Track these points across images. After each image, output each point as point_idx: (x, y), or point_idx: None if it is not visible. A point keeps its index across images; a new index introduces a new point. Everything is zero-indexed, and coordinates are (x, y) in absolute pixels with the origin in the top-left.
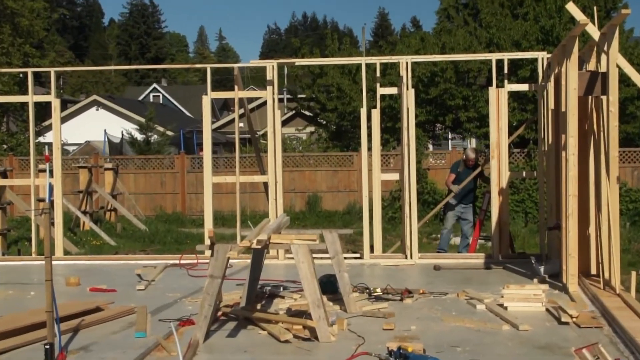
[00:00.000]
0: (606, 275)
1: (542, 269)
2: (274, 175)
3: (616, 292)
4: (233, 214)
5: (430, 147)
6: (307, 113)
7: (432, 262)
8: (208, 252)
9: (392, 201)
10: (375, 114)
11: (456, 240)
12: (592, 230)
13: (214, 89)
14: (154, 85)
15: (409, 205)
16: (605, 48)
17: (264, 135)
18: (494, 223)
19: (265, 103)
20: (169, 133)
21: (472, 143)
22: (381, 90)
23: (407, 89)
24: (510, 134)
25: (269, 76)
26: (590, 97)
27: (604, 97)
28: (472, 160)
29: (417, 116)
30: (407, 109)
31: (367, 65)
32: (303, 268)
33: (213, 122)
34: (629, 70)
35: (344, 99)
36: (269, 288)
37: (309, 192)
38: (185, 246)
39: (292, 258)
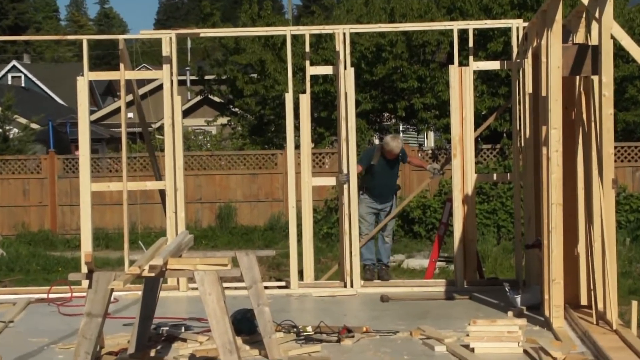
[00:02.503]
0: (600, 306)
1: (518, 298)
2: (173, 180)
3: (613, 328)
4: (120, 231)
5: (377, 142)
6: (217, 100)
7: (378, 291)
8: (85, 283)
9: (328, 213)
10: (305, 100)
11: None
12: (581, 248)
13: (93, 68)
14: (13, 62)
15: (348, 219)
16: (597, 14)
17: (160, 129)
18: (456, 240)
19: (161, 86)
20: (34, 126)
21: (430, 137)
22: (312, 70)
23: (346, 67)
24: (477, 125)
25: (165, 51)
26: (578, 77)
27: (595, 78)
28: (394, 153)
29: (358, 103)
30: (346, 94)
31: (294, 37)
32: (210, 302)
33: (93, 112)
34: (627, 42)
35: (266, 82)
36: (167, 328)
37: (219, 202)
38: (55, 275)
39: (197, 289)
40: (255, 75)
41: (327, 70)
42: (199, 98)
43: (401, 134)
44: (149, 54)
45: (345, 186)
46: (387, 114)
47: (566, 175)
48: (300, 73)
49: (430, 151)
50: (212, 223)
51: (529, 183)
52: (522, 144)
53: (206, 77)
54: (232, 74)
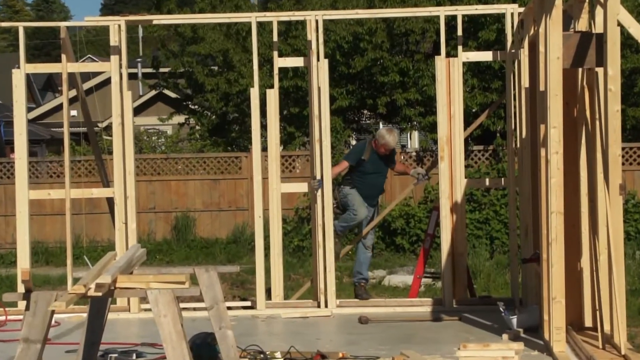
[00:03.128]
0: (606, 328)
1: (514, 320)
2: (122, 187)
3: (621, 353)
4: (62, 245)
5: (354, 143)
6: (174, 95)
7: (356, 312)
8: (22, 304)
9: (299, 224)
10: (273, 96)
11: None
12: (585, 262)
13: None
14: None
15: (322, 230)
16: None
17: (108, 129)
18: (444, 254)
19: (109, 80)
20: None
21: (415, 137)
22: (281, 62)
23: (319, 59)
24: (467, 124)
25: (113, 40)
26: (580, 69)
27: (600, 70)
28: (389, 147)
29: (333, 99)
30: (319, 89)
31: (260, 24)
32: (166, 324)
33: (31, 110)
34: (636, 29)
35: (229, 75)
36: (116, 355)
37: (176, 212)
38: None
39: (150, 310)
40: (216, 68)
41: (297, 62)
42: (152, 93)
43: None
44: (95, 43)
45: (319, 193)
46: (366, 112)
47: (567, 180)
48: (267, 65)
49: (414, 153)
50: (168, 235)
51: (526, 189)
52: (518, 145)
53: (161, 70)
54: (191, 66)
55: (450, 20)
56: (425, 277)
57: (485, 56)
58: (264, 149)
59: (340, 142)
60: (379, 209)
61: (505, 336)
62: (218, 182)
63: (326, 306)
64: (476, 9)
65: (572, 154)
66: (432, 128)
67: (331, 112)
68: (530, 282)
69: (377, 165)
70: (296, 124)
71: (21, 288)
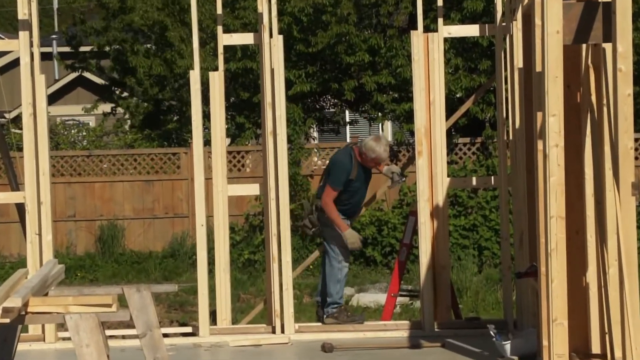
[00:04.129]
0: (617, 354)
1: (508, 346)
2: (35, 190)
3: None
4: None
5: (316, 136)
6: (97, 80)
7: (319, 338)
8: None
9: (250, 233)
10: (217, 80)
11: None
12: (592, 277)
13: None
14: None
15: (277, 240)
16: None
17: (17, 120)
18: (423, 267)
19: (17, 62)
20: None
21: (388, 128)
22: (226, 39)
23: (272, 35)
24: (451, 112)
25: (22, 13)
26: (584, 46)
27: (607, 46)
28: (382, 160)
29: (291, 84)
30: (272, 71)
31: None
32: (88, 356)
33: None
34: None
35: (166, 54)
36: None
37: (101, 220)
38: None
39: (69, 339)
40: (150, 46)
41: (246, 39)
42: (71, 77)
43: (348, 128)
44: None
45: (272, 196)
46: (330, 98)
47: (570, 179)
48: (212, 43)
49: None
50: (91, 248)
51: (520, 189)
52: (511, 137)
53: (81, 49)
54: (118, 43)
55: None
56: (401, 295)
57: (471, 31)
58: (207, 143)
59: (300, 134)
60: None
61: None
62: (152, 183)
63: (282, 332)
64: None
65: (575, 147)
66: (408, 117)
67: (288, 99)
68: (526, 301)
69: (363, 179)
70: (246, 113)
71: None
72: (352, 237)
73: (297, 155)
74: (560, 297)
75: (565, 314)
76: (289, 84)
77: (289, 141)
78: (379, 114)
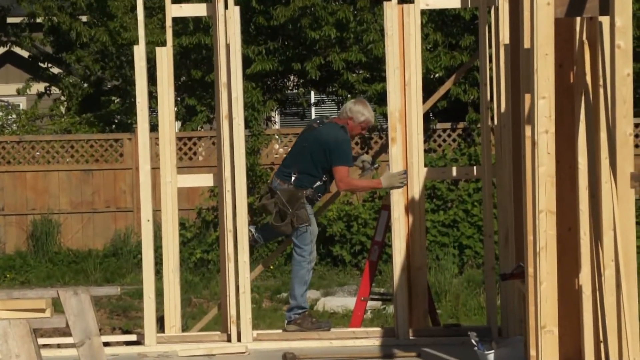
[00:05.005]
0: None
1: (491, 356)
2: None
3: None
4: None
5: (277, 121)
6: (29, 55)
7: (279, 347)
8: None
9: (203, 229)
10: (165, 57)
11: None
12: (585, 278)
13: None
14: None
15: (233, 237)
16: None
17: None
18: (397, 268)
19: None
20: None
21: None
22: (175, 10)
23: (227, 6)
24: (429, 94)
25: None
26: (578, 19)
27: (604, 20)
28: (369, 124)
29: (249, 61)
30: (228, 47)
31: None
32: None
33: None
34: None
35: (106, 24)
36: None
37: (33, 214)
38: None
39: None
40: (90, 18)
41: (198, 10)
42: None
43: (313, 110)
44: None
45: (227, 187)
46: (293, 78)
47: (561, 169)
48: (160, 14)
49: None
50: (22, 246)
51: (506, 181)
52: (496, 122)
53: (10, 20)
54: (53, 16)
55: None
56: (372, 299)
57: (452, 2)
58: (154, 128)
59: (259, 118)
60: None
61: None
62: (91, 173)
63: (239, 340)
64: None
65: (568, 133)
66: (381, 99)
67: (246, 79)
68: (512, 306)
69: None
70: (198, 94)
71: None
72: (390, 182)
73: (256, 143)
74: (550, 301)
75: (556, 320)
76: (247, 62)
77: (247, 126)
78: (349, 95)
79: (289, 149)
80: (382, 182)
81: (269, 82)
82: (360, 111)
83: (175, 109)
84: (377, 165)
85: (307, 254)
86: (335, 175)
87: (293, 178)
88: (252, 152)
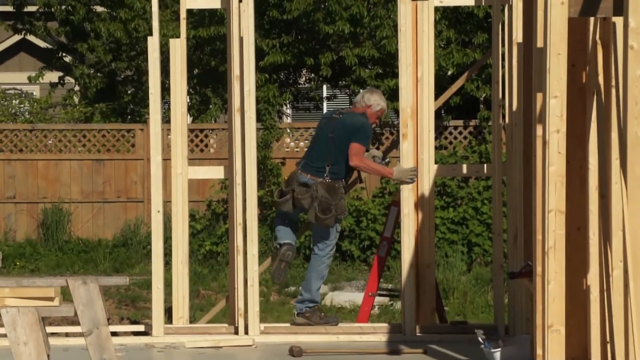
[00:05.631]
0: None
1: (497, 354)
2: None
3: None
4: None
5: (289, 113)
6: (44, 45)
7: (286, 340)
8: None
9: (213, 222)
10: (179, 49)
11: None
12: (593, 278)
13: None
14: None
15: (243, 230)
16: None
17: None
18: (405, 264)
19: None
20: None
21: None
22: (190, 2)
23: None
24: (441, 90)
25: None
26: (592, 19)
27: (618, 20)
28: (384, 113)
29: (262, 54)
30: (241, 39)
31: None
32: (26, 355)
33: None
34: None
35: (123, 16)
36: None
37: (45, 203)
38: None
39: (5, 335)
40: (104, 10)
41: (212, 2)
42: (13, 40)
43: (325, 104)
44: None
45: (238, 180)
46: (306, 72)
47: (572, 168)
48: (175, 7)
49: None
50: (33, 234)
51: (516, 179)
52: (507, 121)
53: (26, 9)
54: (67, 5)
55: None
56: (380, 295)
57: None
58: (167, 120)
59: (271, 114)
60: None
61: None
62: (103, 163)
63: (246, 333)
64: None
65: (579, 133)
66: (393, 95)
67: (259, 71)
68: (519, 304)
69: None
70: (213, 87)
71: None
72: (401, 174)
73: (267, 137)
74: (558, 300)
75: (563, 319)
76: (260, 55)
77: (259, 119)
78: (361, 90)
79: (307, 143)
80: (394, 172)
81: (280, 75)
82: (377, 101)
83: (189, 101)
84: (388, 160)
85: (330, 249)
86: (350, 150)
87: (327, 170)
88: (263, 146)
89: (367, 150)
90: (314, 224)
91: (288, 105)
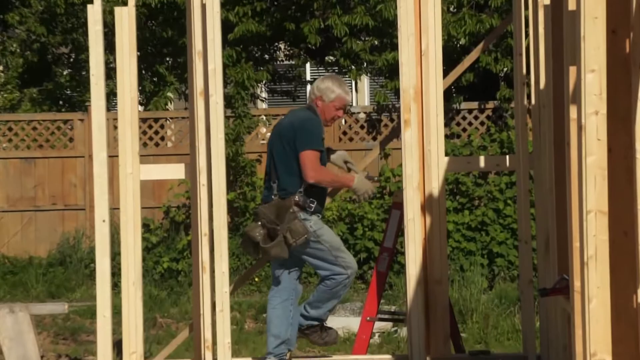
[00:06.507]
0: None
1: None
2: None
3: None
4: None
5: (265, 98)
6: None
7: None
8: None
9: (172, 232)
10: (126, 17)
11: None
12: None
13: None
14: None
15: (209, 243)
16: None
17: None
18: (411, 281)
19: None
20: None
21: (364, 87)
22: None
23: None
24: (451, 66)
25: None
26: None
27: None
28: (345, 103)
29: (230, 24)
30: (203, 7)
31: None
32: None
33: None
34: None
35: None
36: None
37: None
38: None
39: None
40: None
41: None
42: None
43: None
44: None
45: (202, 181)
46: (284, 45)
47: (615, 159)
48: None
49: (362, 115)
50: None
51: (546, 174)
52: (533, 102)
53: None
54: None
55: None
56: (381, 319)
57: None
58: (111, 107)
59: (245, 96)
60: None
61: None
62: (34, 162)
63: None
64: None
65: (623, 115)
66: (392, 72)
67: (227, 45)
68: (554, 329)
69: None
70: (169, 62)
71: None
72: (362, 185)
73: (239, 127)
74: (602, 323)
75: (609, 346)
76: (228, 27)
77: (229, 105)
78: (352, 66)
79: None
80: (354, 181)
81: (254, 49)
82: (330, 87)
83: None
84: (377, 178)
85: (343, 269)
86: (301, 162)
87: (274, 188)
88: (234, 138)
89: (324, 151)
90: (271, 257)
91: (264, 88)
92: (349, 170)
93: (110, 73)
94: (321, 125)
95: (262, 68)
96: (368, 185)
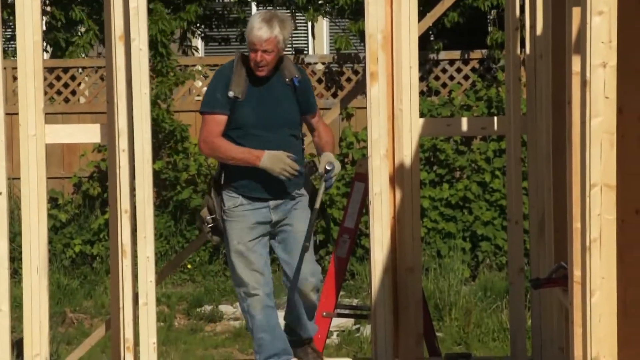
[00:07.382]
0: None
1: None
2: None
3: None
4: None
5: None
6: None
7: None
8: None
9: (85, 209)
10: None
11: None
12: None
13: None
14: None
15: (131, 221)
16: None
17: None
18: (377, 268)
19: None
20: None
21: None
22: None
23: None
24: (427, 8)
25: None
26: None
27: None
28: (257, 39)
29: None
30: None
31: None
32: None
33: None
34: None
35: None
36: None
37: None
38: None
39: None
40: None
41: None
42: None
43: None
44: None
45: (123, 146)
46: None
47: (626, 121)
48: None
49: (320, 67)
50: None
51: (542, 139)
52: (528, 51)
53: None
54: None
55: None
56: (340, 315)
57: None
58: (11, 54)
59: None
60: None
61: None
62: None
63: None
64: None
65: (637, 67)
66: (357, 12)
67: None
68: (548, 327)
69: (271, 102)
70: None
71: None
72: (274, 163)
73: (168, 83)
74: (606, 320)
75: (614, 348)
76: None
77: (157, 54)
78: (309, 6)
79: None
80: (263, 158)
81: None
82: (249, 24)
83: (44, 25)
84: (320, 172)
85: (237, 286)
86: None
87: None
88: (162, 96)
89: (224, 112)
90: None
91: (198, 33)
92: (327, 172)
93: (7, 11)
94: (224, 77)
95: (192, 12)
96: (283, 161)
